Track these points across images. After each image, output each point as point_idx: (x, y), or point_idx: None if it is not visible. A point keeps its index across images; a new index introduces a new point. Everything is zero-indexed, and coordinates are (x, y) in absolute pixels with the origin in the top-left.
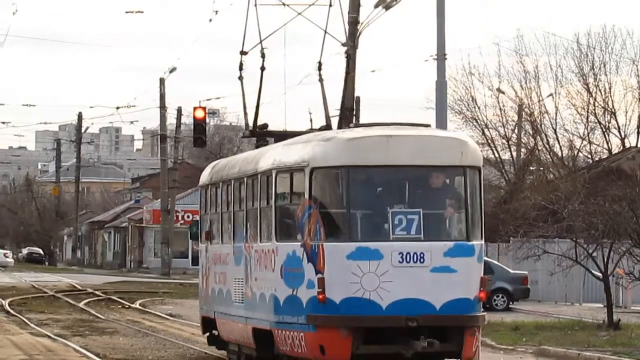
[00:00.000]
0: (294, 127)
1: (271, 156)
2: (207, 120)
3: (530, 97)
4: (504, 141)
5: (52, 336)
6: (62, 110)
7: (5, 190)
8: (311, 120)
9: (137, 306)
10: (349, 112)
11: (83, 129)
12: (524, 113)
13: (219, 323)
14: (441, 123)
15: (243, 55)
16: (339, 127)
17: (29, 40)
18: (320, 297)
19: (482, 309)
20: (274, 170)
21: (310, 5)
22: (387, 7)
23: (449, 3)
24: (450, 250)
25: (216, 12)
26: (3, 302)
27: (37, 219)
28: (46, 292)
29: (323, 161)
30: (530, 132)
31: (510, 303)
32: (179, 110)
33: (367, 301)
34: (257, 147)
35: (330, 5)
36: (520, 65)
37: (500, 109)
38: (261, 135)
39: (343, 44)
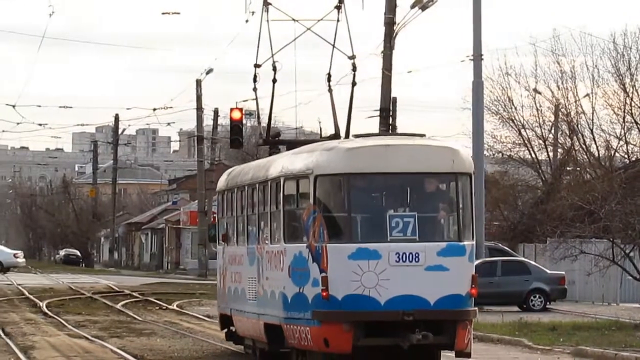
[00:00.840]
0: (325, 126)
1: (280, 164)
2: (244, 121)
3: (567, 98)
4: (540, 141)
5: (90, 337)
6: (99, 111)
7: (42, 192)
8: (320, 129)
9: (175, 307)
10: (386, 113)
11: (120, 131)
12: (560, 113)
13: (235, 320)
14: (478, 123)
15: (257, 68)
16: (380, 127)
17: (66, 42)
18: (324, 294)
19: (473, 304)
20: (282, 177)
21: (318, 21)
22: (424, 8)
23: (485, 3)
24: (443, 250)
25: (252, 12)
26: (41, 303)
27: (74, 221)
28: (83, 294)
29: (326, 169)
30: (567, 132)
31: (548, 303)
32: (216, 112)
33: (367, 297)
34: (270, 154)
35: (338, 21)
36: (556, 66)
37: (537, 110)
38: (274, 143)
39: (349, 57)
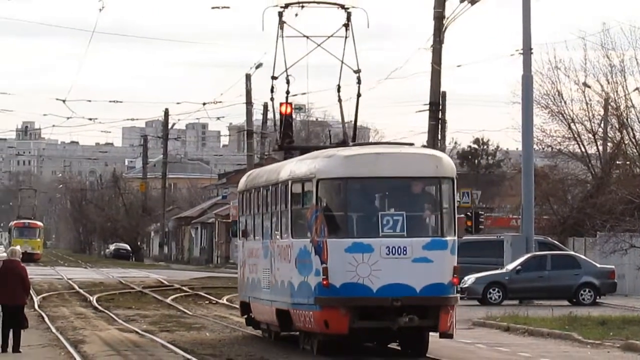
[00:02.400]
0: (376, 118)
1: (288, 168)
2: (294, 116)
3: (617, 91)
4: (590, 135)
5: (140, 332)
6: (149, 106)
7: (92, 187)
8: (330, 137)
9: (225, 302)
10: (435, 107)
11: (170, 125)
12: (610, 107)
13: (253, 306)
14: (527, 117)
15: (274, 80)
16: (429, 121)
17: (116, 37)
18: (325, 282)
19: (455, 292)
20: (290, 180)
21: (328, 37)
22: (473, 2)
23: None
24: (427, 245)
25: (302, 6)
26: (91, 298)
27: (124, 215)
28: (133, 288)
29: (326, 174)
30: (617, 126)
31: (597, 297)
32: (265, 106)
33: (361, 285)
34: (284, 159)
35: (346, 37)
36: (606, 59)
37: (587, 103)
38: (288, 149)
39: (355, 71)
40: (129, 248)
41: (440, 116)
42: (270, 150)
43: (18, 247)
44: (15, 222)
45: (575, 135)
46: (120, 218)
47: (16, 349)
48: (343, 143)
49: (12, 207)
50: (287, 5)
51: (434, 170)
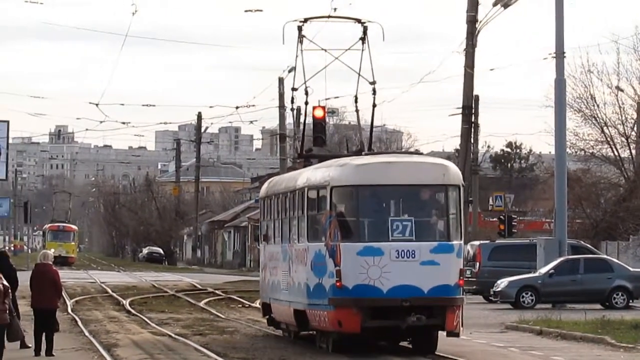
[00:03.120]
0: (409, 121)
1: (305, 176)
2: (327, 119)
3: None
4: (623, 139)
5: (173, 335)
6: (182, 110)
7: (125, 190)
8: (347, 145)
9: (257, 305)
10: (468, 111)
11: (203, 129)
12: None
13: (273, 307)
14: (560, 121)
15: (294, 91)
16: (462, 124)
17: (148, 41)
18: (338, 284)
19: (461, 293)
20: (306, 187)
21: (345, 50)
22: (506, 6)
23: (567, 1)
24: (435, 248)
25: (335, 9)
26: (124, 301)
27: (157, 219)
28: (166, 292)
29: (339, 181)
30: None
31: (630, 301)
32: (298, 110)
33: (372, 287)
34: (304, 166)
35: (362, 50)
36: (638, 63)
37: (619, 107)
38: (307, 157)
39: (371, 83)
40: (162, 252)
41: (473, 120)
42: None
43: (51, 251)
44: (49, 225)
45: (608, 139)
46: (153, 222)
47: (49, 352)
48: (359, 152)
49: (45, 211)
50: (306, 20)
51: (441, 178)
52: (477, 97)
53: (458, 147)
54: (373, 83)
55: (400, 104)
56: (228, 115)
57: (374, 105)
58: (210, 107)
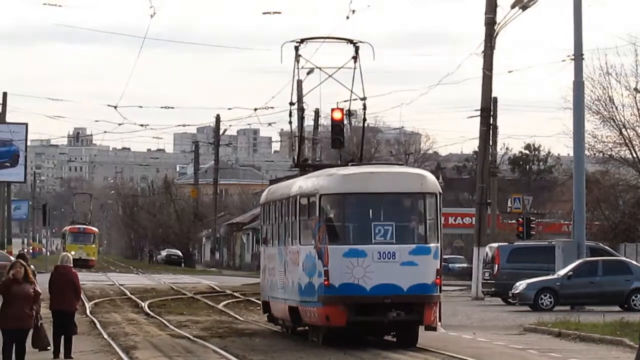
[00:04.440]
0: (427, 123)
1: (297, 185)
2: (345, 122)
3: None
4: None
5: (192, 337)
6: (200, 112)
7: (144, 193)
8: (341, 156)
9: None
10: (486, 113)
11: (221, 131)
12: None
13: (271, 305)
14: (578, 123)
15: (291, 106)
16: (481, 127)
17: (167, 43)
18: (326, 283)
19: (438, 291)
20: (298, 195)
21: (338, 69)
22: (524, 8)
23: (585, 3)
24: (413, 250)
25: (353, 11)
26: (142, 303)
27: (175, 221)
28: (185, 294)
29: (327, 190)
30: None
31: None
32: (317, 112)
33: (357, 285)
34: (300, 175)
35: (355, 69)
36: None
37: (638, 109)
38: (303, 166)
39: (361, 99)
40: (180, 254)
41: (491, 122)
42: (320, 155)
43: (71, 253)
44: (69, 227)
45: (627, 141)
46: (172, 224)
47: (68, 354)
48: (352, 161)
49: (64, 213)
50: (302, 41)
51: (419, 187)
52: (495, 99)
53: (476, 149)
54: (363, 99)
55: (419, 106)
56: (246, 118)
57: (364, 120)
58: (229, 109)
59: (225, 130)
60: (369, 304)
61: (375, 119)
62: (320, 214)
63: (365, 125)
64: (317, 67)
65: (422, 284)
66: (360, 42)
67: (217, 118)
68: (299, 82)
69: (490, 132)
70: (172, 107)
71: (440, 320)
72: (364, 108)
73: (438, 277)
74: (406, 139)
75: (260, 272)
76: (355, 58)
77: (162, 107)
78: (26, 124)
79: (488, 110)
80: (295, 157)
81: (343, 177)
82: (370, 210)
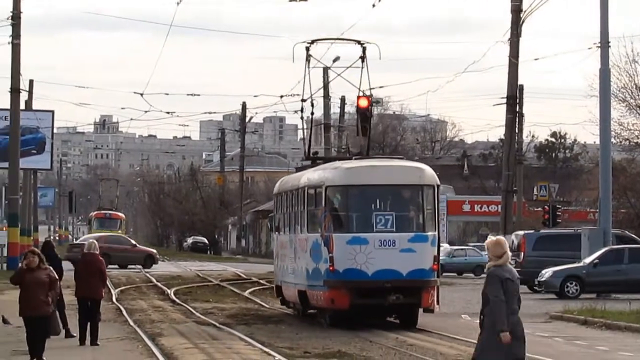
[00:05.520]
0: (454, 111)
1: (306, 177)
2: (371, 109)
3: None
4: None
5: (217, 325)
6: (226, 99)
7: (170, 180)
8: (349, 149)
9: None
10: (512, 101)
11: (247, 119)
12: None
13: (283, 289)
14: (605, 111)
15: (303, 102)
16: (507, 114)
17: (193, 30)
18: (331, 268)
19: (435, 276)
20: (306, 187)
21: (346, 68)
22: None
23: None
24: (412, 238)
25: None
26: (168, 291)
27: (201, 208)
28: (211, 281)
29: (332, 182)
30: None
31: None
32: (343, 99)
33: (359, 270)
34: (311, 166)
35: (362, 68)
36: None
37: None
38: (313, 159)
39: (367, 96)
40: (206, 241)
41: (517, 109)
42: (346, 143)
43: (95, 241)
44: (95, 212)
45: None
46: (198, 211)
47: (94, 341)
48: (359, 154)
49: (90, 200)
50: (313, 42)
51: (417, 179)
52: (521, 87)
53: (502, 137)
54: (370, 96)
55: (445, 93)
56: (272, 105)
57: (370, 116)
58: (255, 96)
59: (251, 117)
60: (370, 288)
61: (402, 107)
62: (326, 204)
63: (391, 112)
64: (327, 67)
65: (420, 269)
66: (368, 42)
67: (243, 105)
68: (325, 70)
69: (517, 120)
70: (198, 95)
71: (438, 303)
72: (371, 105)
73: (435, 263)
74: (432, 127)
75: (274, 257)
76: (362, 58)
77: (188, 95)
78: (52, 111)
79: (514, 98)
80: (306, 151)
81: (347, 170)
82: (372, 201)
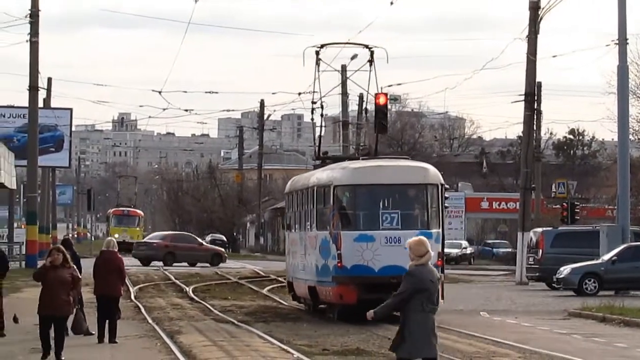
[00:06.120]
0: (472, 108)
1: (315, 177)
2: (389, 107)
3: None
4: None
5: (236, 322)
6: (245, 97)
7: (188, 178)
8: (357, 149)
9: None
10: (530, 98)
11: (265, 116)
12: None
13: (295, 285)
14: (623, 108)
15: (313, 104)
16: (525, 112)
17: (211, 28)
18: (339, 264)
19: (440, 272)
20: (315, 186)
21: (355, 71)
22: None
23: None
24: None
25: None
26: (187, 288)
27: (220, 206)
28: (229, 279)
29: (341, 181)
30: None
31: None
32: (361, 97)
33: (366, 267)
34: (321, 166)
35: (370, 71)
36: None
37: None
38: (323, 159)
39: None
40: (224, 239)
41: (535, 106)
42: (365, 140)
43: (114, 236)
44: (114, 209)
45: None
46: (216, 209)
47: (112, 339)
48: (368, 154)
49: (108, 198)
50: (323, 46)
51: (422, 179)
52: (539, 84)
53: (521, 134)
54: (364, 106)
55: (463, 90)
56: (291, 102)
57: (377, 121)
58: (273, 93)
59: (269, 115)
60: (377, 283)
61: (420, 104)
62: (334, 203)
63: (409, 110)
64: (336, 70)
65: None
66: (375, 46)
67: (262, 103)
68: (343, 67)
69: (535, 117)
70: (217, 92)
71: (442, 298)
72: (386, 112)
73: (439, 259)
74: (450, 124)
75: (285, 254)
76: (370, 62)
77: (206, 92)
78: (71, 109)
79: (532, 95)
80: (316, 151)
81: (354, 170)
82: (379, 200)
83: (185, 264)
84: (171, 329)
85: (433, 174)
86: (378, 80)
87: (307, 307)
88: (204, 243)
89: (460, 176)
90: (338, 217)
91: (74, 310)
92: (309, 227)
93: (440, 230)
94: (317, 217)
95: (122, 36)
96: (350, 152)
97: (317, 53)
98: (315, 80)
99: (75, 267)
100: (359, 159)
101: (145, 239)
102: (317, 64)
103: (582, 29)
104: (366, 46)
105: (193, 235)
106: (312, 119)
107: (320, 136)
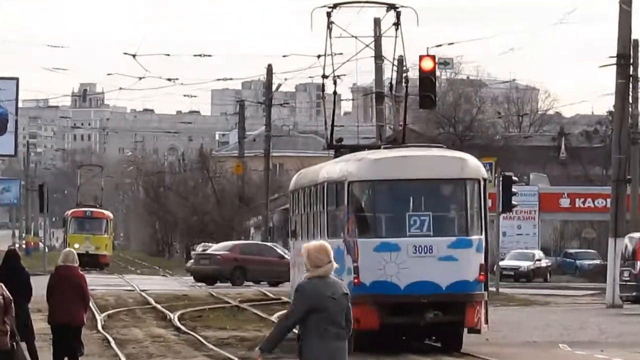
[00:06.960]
0: (547, 75)
1: (325, 171)
2: (438, 73)
3: None
4: None
5: (236, 359)
6: (246, 61)
7: (172, 169)
8: (380, 135)
9: None
10: (624, 60)
11: (274, 87)
12: None
13: None
14: None
15: (324, 79)
16: (617, 78)
17: None
18: (356, 280)
19: (482, 289)
20: (325, 182)
21: (377, 37)
22: None
23: None
24: (453, 244)
25: (351, 6)
26: (172, 315)
27: (214, 206)
28: (228, 302)
29: (356, 176)
30: None
31: None
32: (400, 61)
33: (389, 283)
34: (335, 157)
35: (396, 37)
36: None
37: None
38: (337, 147)
39: (404, 71)
40: None
41: (631, 72)
42: (405, 118)
43: (73, 246)
44: (73, 210)
45: None
46: (210, 210)
47: None
48: (394, 141)
49: (67, 196)
50: (335, 6)
51: (459, 172)
52: (636, 43)
53: (612, 109)
54: (406, 71)
55: (535, 52)
56: (307, 69)
57: (407, 95)
58: (284, 56)
59: (279, 85)
60: (403, 303)
61: (477, 70)
62: (349, 203)
63: (464, 77)
64: (352, 36)
65: (463, 281)
66: (403, 6)
67: (269, 69)
68: (376, 21)
69: (630, 86)
70: (209, 55)
71: (487, 322)
72: (406, 82)
73: (482, 273)
74: (519, 96)
75: (290, 267)
76: (396, 25)
77: (195, 56)
78: (17, 79)
79: (627, 57)
80: (328, 137)
81: (373, 162)
82: (405, 199)
83: (261, 282)
84: None
85: (473, 165)
86: (435, 34)
87: None
88: (286, 256)
89: (532, 165)
90: (354, 221)
91: (11, 344)
92: (318, 233)
93: (483, 236)
94: (328, 222)
95: None
96: (387, 133)
97: (329, 15)
98: (326, 49)
99: (3, 286)
100: (380, 147)
101: (208, 250)
102: (329, 28)
103: None
104: (391, 6)
105: (270, 245)
106: (322, 97)
107: (333, 118)
